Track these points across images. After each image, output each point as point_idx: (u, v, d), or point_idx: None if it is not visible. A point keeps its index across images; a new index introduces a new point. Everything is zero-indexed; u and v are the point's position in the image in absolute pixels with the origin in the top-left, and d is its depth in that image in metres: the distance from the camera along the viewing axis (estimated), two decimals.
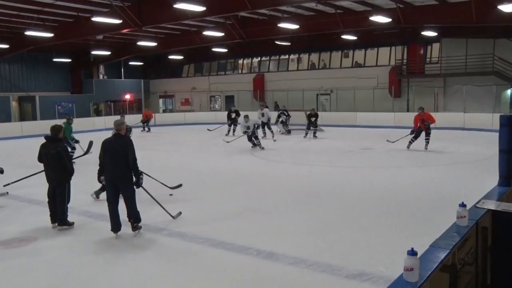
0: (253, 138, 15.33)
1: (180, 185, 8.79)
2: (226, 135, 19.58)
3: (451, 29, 21.44)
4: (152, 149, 16.07)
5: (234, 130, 20.19)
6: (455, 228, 3.38)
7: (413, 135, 14.22)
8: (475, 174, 10.10)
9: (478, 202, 3.98)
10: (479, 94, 21.35)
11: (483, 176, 8.30)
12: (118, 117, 17.62)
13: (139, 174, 6.11)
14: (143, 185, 6.30)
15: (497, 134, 5.17)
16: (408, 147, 14.22)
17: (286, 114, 20.89)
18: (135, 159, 6.03)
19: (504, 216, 3.74)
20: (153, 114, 25.46)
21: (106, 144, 6.15)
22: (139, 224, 6.24)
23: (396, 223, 6.57)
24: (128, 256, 5.53)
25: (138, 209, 6.21)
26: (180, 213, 6.96)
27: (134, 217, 6.16)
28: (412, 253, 2.56)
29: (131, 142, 6.14)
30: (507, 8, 14.55)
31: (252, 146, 15.24)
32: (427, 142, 14.11)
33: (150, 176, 7.92)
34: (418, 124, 14.03)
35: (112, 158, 6.04)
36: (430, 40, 23.92)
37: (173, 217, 6.78)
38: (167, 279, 4.84)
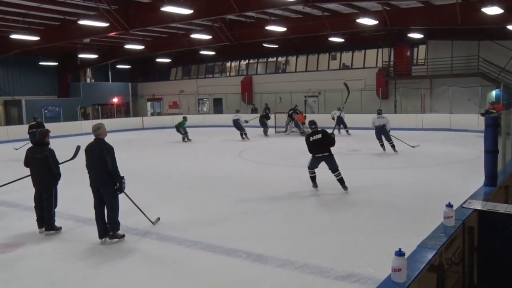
0: None
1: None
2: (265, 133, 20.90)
3: (437, 31, 21.67)
4: (138, 152, 15.99)
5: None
6: (442, 228, 3.41)
7: None
8: (461, 175, 10.18)
9: (464, 202, 4.02)
10: (465, 95, 21.60)
11: (469, 177, 8.37)
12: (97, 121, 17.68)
13: (120, 178, 5.95)
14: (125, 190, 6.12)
15: (483, 134, 5.23)
16: None
17: (298, 112, 21.27)
18: (114, 164, 5.87)
19: (490, 216, 3.78)
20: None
21: (86, 149, 6.11)
22: (118, 233, 6.07)
23: (384, 224, 6.61)
24: (116, 260, 5.49)
25: (128, 211, 6.13)
26: (159, 218, 6.89)
27: (112, 225, 6.03)
28: (400, 253, 2.57)
29: (109, 146, 5.94)
30: (490, 11, 14.76)
31: None
32: None
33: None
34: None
35: (91, 162, 6.00)
36: (416, 42, 24.15)
37: (152, 222, 6.71)
38: (156, 283, 4.81)
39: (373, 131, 13.97)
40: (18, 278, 5.05)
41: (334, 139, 8.70)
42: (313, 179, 8.89)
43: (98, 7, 16.24)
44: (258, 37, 22.15)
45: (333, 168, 8.62)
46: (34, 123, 15.58)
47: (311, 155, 8.73)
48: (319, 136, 8.59)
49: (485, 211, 3.82)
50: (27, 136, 14.95)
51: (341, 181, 8.63)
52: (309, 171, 8.86)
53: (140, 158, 14.37)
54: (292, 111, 21.18)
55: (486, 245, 3.74)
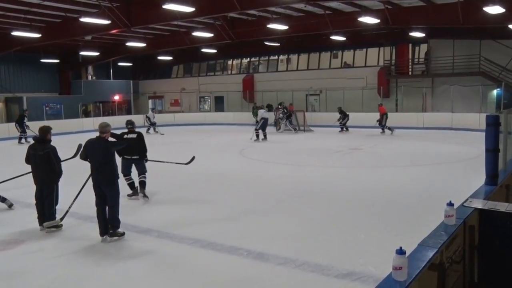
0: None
1: (193, 158, 8.85)
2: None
3: (438, 30, 21.62)
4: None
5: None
6: (443, 227, 3.41)
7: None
8: (462, 174, 10.19)
9: (465, 201, 4.02)
10: (466, 94, 21.57)
11: (470, 175, 8.38)
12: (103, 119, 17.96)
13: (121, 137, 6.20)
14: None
15: (484, 133, 5.23)
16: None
17: (284, 111, 21.67)
18: (121, 144, 6.23)
19: (491, 215, 3.78)
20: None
21: (87, 146, 6.14)
22: (118, 231, 6.08)
23: (385, 222, 6.61)
24: (117, 257, 5.49)
25: (128, 208, 6.14)
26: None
27: (113, 223, 6.04)
28: (401, 252, 2.57)
29: (110, 142, 6.09)
30: (492, 10, 14.72)
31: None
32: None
33: (161, 161, 8.71)
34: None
35: (93, 161, 6.03)
36: (418, 41, 24.10)
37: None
38: (157, 280, 4.82)
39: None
40: (19, 275, 5.05)
41: (145, 146, 8.31)
42: (132, 185, 8.29)
43: (100, 5, 16.22)
44: (259, 35, 22.11)
45: (141, 171, 8.32)
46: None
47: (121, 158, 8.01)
48: (134, 136, 8.19)
49: (486, 210, 3.83)
50: (31, 133, 15.41)
51: (142, 184, 8.30)
52: (125, 178, 8.13)
53: None
54: (283, 108, 22.00)
55: (487, 244, 3.74)
